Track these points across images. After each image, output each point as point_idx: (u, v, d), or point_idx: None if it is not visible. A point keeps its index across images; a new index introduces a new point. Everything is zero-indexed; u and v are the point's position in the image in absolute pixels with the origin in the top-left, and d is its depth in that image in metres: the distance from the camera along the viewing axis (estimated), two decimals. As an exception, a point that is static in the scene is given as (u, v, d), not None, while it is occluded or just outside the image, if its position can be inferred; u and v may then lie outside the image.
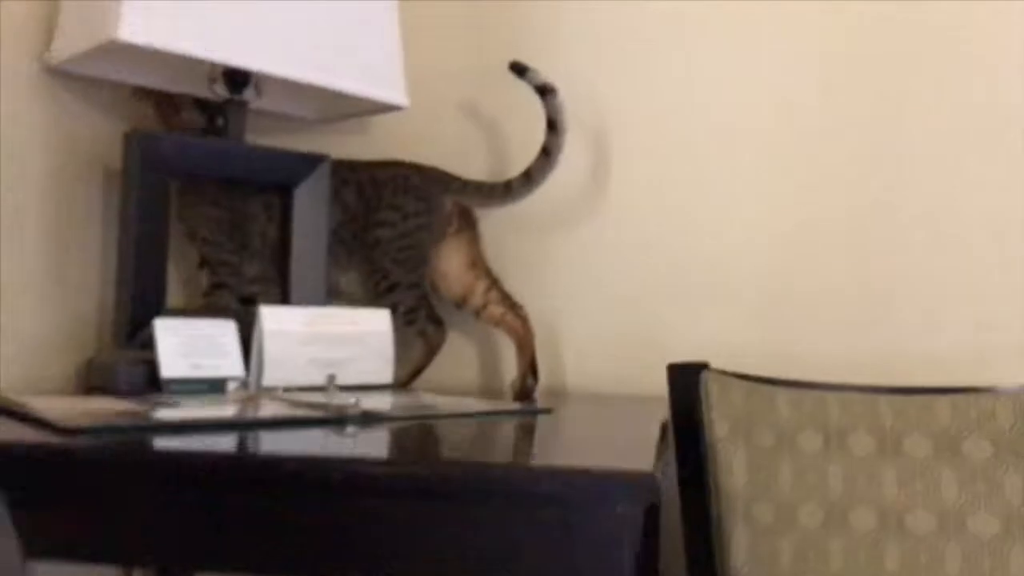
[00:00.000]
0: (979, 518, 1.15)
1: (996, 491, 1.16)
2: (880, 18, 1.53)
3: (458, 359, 1.63)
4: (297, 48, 1.32)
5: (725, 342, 1.53)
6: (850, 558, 1.16)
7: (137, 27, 1.17)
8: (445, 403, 1.20)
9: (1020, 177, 1.48)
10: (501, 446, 0.94)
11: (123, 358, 1.28)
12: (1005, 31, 1.49)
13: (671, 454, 1.22)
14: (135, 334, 1.32)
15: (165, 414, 0.95)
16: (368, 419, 1.02)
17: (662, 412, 1.22)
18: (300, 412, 1.02)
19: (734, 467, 1.17)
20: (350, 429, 0.98)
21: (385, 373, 1.41)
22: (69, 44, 1.27)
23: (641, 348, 1.55)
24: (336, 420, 1.00)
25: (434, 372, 1.50)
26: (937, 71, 1.51)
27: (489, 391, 1.56)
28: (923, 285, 1.50)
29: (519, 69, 1.46)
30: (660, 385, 1.24)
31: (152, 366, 1.22)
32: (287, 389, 1.28)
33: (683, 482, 1.19)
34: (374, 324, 1.41)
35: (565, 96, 1.44)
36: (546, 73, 1.45)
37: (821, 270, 1.53)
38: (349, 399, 1.05)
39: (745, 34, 1.57)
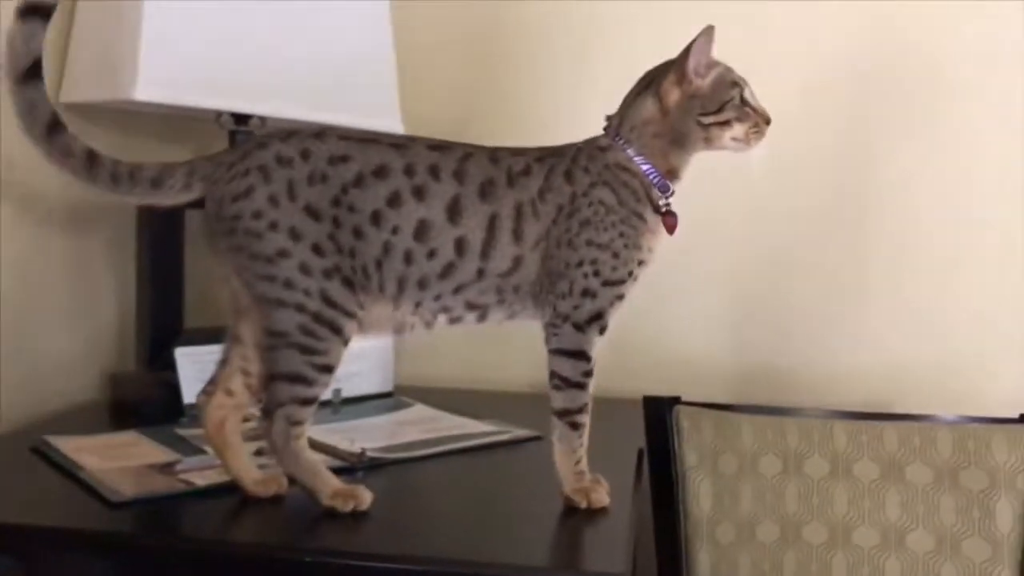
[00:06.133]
0: (917, 535, 1.30)
1: (933, 513, 1.30)
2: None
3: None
4: (297, 89, 1.39)
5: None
6: (802, 569, 1.31)
7: (152, 86, 1.24)
8: (439, 428, 1.32)
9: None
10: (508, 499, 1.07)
11: (147, 382, 1.40)
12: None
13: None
14: (157, 352, 1.43)
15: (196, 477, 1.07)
16: (374, 464, 1.15)
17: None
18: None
19: (700, 494, 1.32)
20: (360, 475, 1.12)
21: (386, 383, 1.53)
22: (81, 90, 1.33)
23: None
24: (348, 469, 1.13)
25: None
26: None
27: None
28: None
29: None
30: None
31: (173, 387, 1.34)
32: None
33: (656, 504, 1.33)
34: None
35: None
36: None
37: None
38: (356, 448, 1.17)
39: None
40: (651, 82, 1.04)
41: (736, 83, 1.03)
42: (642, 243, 1.03)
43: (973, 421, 1.35)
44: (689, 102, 1.02)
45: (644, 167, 1.03)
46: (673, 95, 1.02)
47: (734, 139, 1.03)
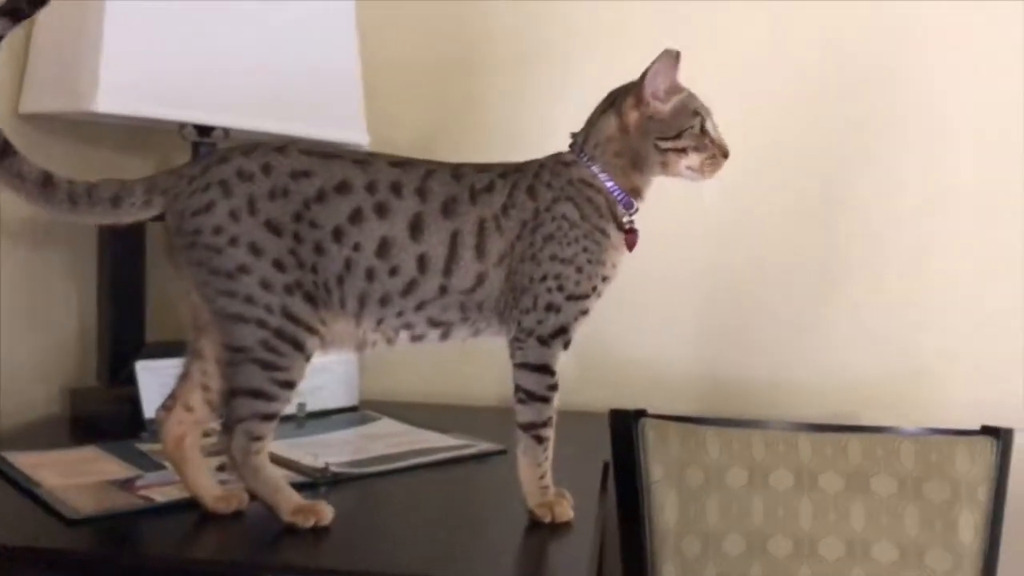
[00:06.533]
0: (881, 547, 1.31)
1: (897, 524, 1.31)
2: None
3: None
4: (260, 102, 1.38)
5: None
6: (768, 581, 1.31)
7: (114, 97, 1.22)
8: (404, 443, 1.31)
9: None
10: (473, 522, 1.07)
11: (107, 397, 1.38)
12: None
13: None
14: (118, 367, 1.41)
15: (156, 493, 1.06)
16: (338, 479, 1.14)
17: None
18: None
19: (666, 508, 1.32)
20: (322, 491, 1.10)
21: (351, 397, 1.52)
22: (41, 101, 1.31)
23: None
24: (311, 484, 1.12)
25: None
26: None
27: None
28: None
29: None
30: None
31: (134, 401, 1.32)
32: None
33: (622, 518, 1.33)
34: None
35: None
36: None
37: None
38: (320, 462, 1.16)
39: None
40: (614, 100, 1.05)
41: (697, 112, 1.03)
42: (606, 258, 1.02)
43: (936, 433, 1.37)
44: (648, 124, 1.02)
45: (608, 184, 1.03)
46: (632, 116, 1.02)
47: (689, 168, 1.03)
